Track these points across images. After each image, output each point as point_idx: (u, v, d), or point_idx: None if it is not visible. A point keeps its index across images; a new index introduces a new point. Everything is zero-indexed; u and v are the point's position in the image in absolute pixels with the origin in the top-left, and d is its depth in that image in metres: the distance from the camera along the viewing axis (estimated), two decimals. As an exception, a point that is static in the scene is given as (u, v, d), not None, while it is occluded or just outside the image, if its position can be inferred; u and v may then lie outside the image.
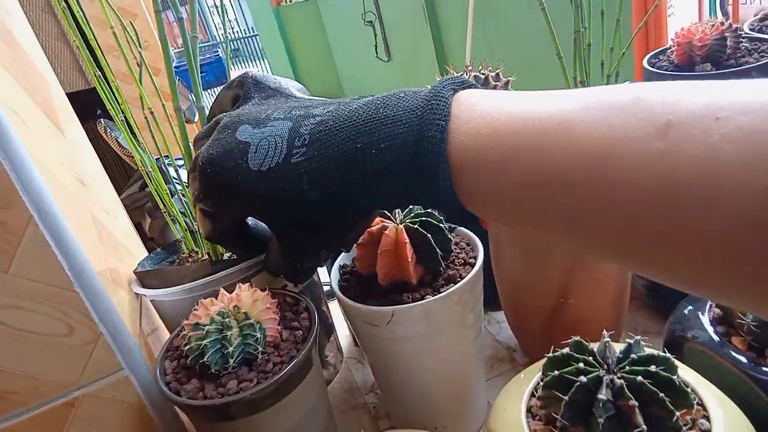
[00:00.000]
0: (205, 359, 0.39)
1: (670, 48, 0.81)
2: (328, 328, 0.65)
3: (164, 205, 0.59)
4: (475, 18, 2.61)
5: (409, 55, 3.55)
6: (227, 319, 0.40)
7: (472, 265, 0.50)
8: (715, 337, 0.46)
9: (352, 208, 0.37)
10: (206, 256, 0.58)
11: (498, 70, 0.67)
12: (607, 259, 0.28)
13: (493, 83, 0.66)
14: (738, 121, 0.21)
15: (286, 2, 4.70)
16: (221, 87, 0.48)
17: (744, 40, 0.79)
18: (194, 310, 0.42)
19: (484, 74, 0.66)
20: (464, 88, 0.33)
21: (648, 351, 0.39)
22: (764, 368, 0.42)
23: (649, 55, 0.85)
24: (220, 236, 0.44)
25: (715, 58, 0.75)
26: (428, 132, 0.30)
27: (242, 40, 6.90)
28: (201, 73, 0.54)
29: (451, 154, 0.30)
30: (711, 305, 0.49)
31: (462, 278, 0.49)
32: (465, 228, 0.56)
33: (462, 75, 0.67)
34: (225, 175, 0.37)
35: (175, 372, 0.43)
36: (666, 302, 0.55)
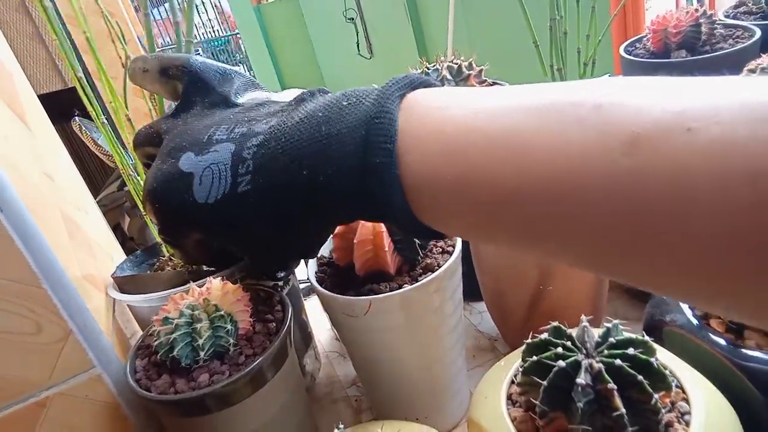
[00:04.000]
0: (174, 353, 0.39)
1: (645, 36, 0.81)
2: (307, 337, 0.64)
3: (143, 207, 0.58)
4: (456, 12, 2.61)
5: (391, 51, 3.55)
6: (196, 312, 0.39)
7: (450, 254, 0.50)
8: (694, 321, 0.45)
9: (309, 229, 0.35)
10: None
11: (471, 60, 0.67)
12: (580, 268, 0.26)
13: (467, 72, 0.65)
14: (710, 134, 0.19)
15: (267, 0, 4.67)
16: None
17: (719, 27, 0.79)
18: (164, 305, 0.41)
19: (456, 64, 0.66)
20: (414, 87, 0.30)
21: (626, 335, 0.38)
22: (743, 350, 0.42)
23: (625, 43, 0.85)
24: (194, 261, 0.42)
25: (690, 44, 0.75)
26: (375, 158, 0.28)
27: (223, 39, 6.86)
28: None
29: (404, 178, 0.28)
30: (689, 288, 0.49)
31: (440, 266, 0.48)
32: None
33: (435, 65, 0.67)
34: (172, 209, 0.35)
35: (145, 369, 0.42)
36: (645, 288, 0.55)
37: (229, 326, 0.40)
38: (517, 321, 0.59)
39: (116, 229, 1.31)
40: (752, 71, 0.62)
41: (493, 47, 2.50)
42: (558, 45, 0.72)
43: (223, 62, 0.42)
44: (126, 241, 1.27)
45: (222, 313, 0.41)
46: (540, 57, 0.73)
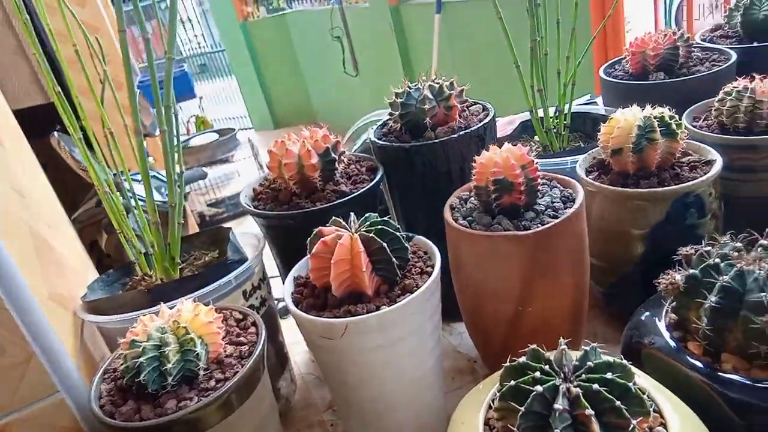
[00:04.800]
0: (141, 378, 0.37)
1: (625, 57, 0.82)
2: (283, 359, 0.63)
3: (118, 225, 0.57)
4: (441, 32, 2.63)
5: (376, 69, 3.57)
6: (165, 335, 0.38)
7: (429, 274, 0.49)
8: (672, 343, 0.45)
9: None
10: (159, 280, 0.56)
11: (452, 79, 0.67)
12: None
13: (448, 92, 0.65)
14: None
15: (253, 18, 4.69)
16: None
17: (696, 50, 0.80)
18: (132, 327, 0.39)
19: (438, 83, 0.66)
20: None
21: (605, 358, 0.38)
22: (720, 374, 0.41)
23: (605, 65, 0.86)
24: None
25: (667, 67, 0.76)
26: None
27: (209, 55, 6.86)
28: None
29: None
30: (667, 310, 0.48)
31: (419, 287, 0.47)
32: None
33: (417, 85, 0.67)
34: None
35: (110, 394, 0.40)
36: (624, 309, 0.55)
37: (199, 350, 0.39)
38: (497, 342, 0.59)
39: (93, 245, 1.28)
40: (728, 94, 0.63)
41: (478, 67, 2.52)
42: (539, 66, 0.73)
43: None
44: (102, 258, 1.25)
45: (192, 336, 0.39)
46: (521, 78, 0.74)
